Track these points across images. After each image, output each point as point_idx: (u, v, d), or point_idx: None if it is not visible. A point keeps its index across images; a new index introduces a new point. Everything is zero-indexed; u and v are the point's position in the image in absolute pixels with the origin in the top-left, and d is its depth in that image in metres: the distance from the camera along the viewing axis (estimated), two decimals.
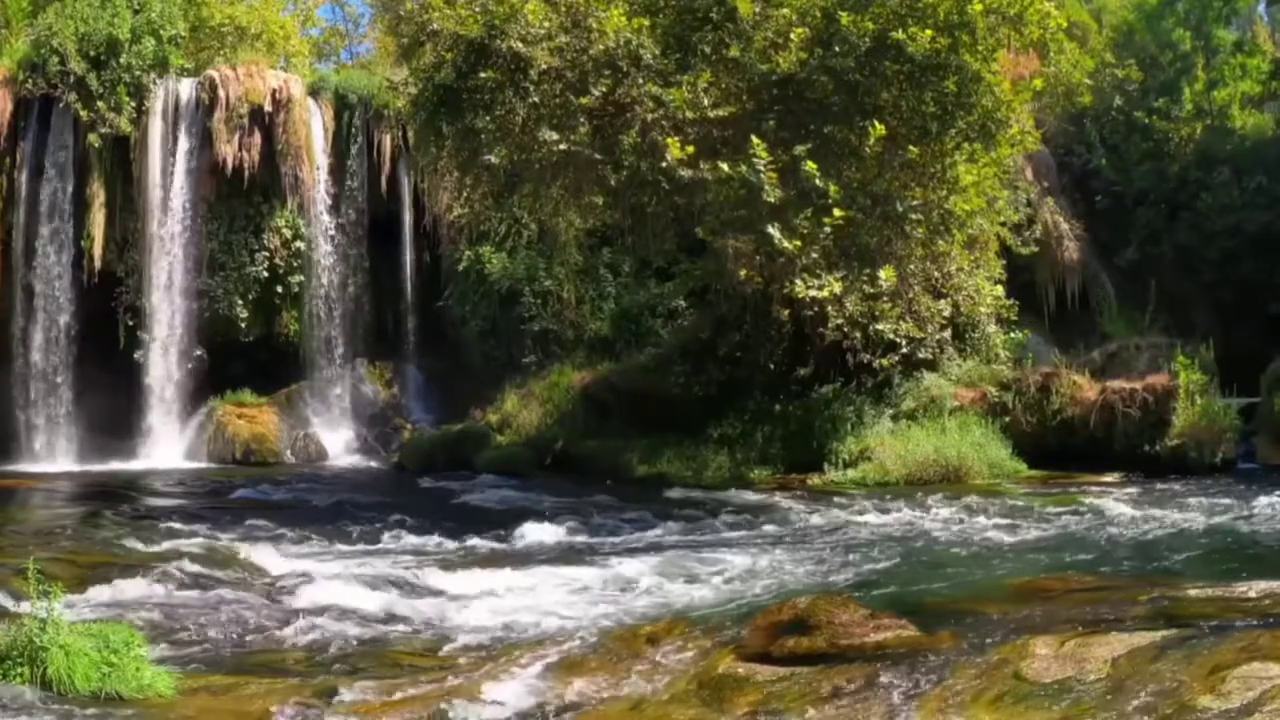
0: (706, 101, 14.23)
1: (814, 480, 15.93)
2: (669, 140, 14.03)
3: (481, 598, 8.42)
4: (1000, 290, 18.50)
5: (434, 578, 9.17)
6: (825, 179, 13.91)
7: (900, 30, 14.04)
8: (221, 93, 24.75)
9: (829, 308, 15.69)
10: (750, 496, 14.73)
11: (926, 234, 15.65)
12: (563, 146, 14.87)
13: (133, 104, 24.27)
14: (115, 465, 22.69)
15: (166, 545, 10.82)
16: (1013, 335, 19.04)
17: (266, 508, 14.87)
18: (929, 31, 13.95)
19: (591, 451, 19.28)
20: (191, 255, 24.61)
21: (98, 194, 24.39)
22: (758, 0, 14.37)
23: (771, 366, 18.29)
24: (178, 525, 12.27)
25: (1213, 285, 23.97)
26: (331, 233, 25.64)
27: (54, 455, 23.74)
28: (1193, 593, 6.71)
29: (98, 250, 24.21)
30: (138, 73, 24.24)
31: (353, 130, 25.93)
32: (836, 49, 14.20)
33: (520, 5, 14.58)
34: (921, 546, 10.42)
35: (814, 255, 14.39)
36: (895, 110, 14.90)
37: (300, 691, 5.85)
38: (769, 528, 12.01)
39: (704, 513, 13.18)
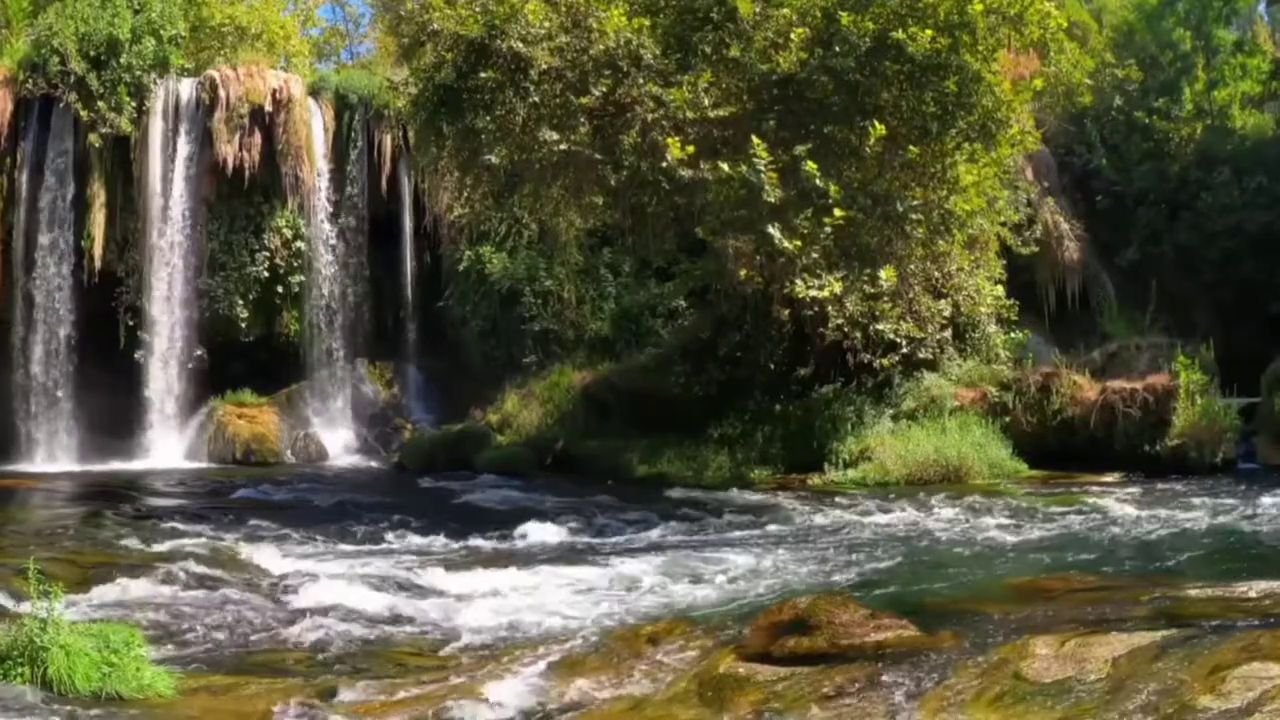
0: (707, 101, 14.23)
1: (814, 480, 15.93)
2: (669, 140, 14.03)
3: (483, 597, 8.42)
4: (1000, 290, 18.50)
5: (435, 578, 9.17)
6: (825, 179, 13.92)
7: (900, 30, 14.04)
8: (222, 93, 24.76)
9: (829, 308, 15.69)
10: (751, 496, 14.74)
11: (927, 234, 15.65)
12: (563, 146, 14.87)
13: (133, 104, 24.28)
14: (115, 465, 22.69)
15: (167, 545, 10.83)
16: (1013, 335, 19.04)
17: (267, 508, 14.87)
18: (929, 31, 13.95)
19: (592, 451, 19.28)
20: (192, 255, 24.62)
21: (98, 194, 24.40)
22: (758, 0, 14.37)
23: (772, 366, 18.30)
24: (178, 525, 12.28)
25: (1213, 285, 23.97)
26: (332, 233, 25.65)
27: (54, 455, 23.74)
28: (1193, 593, 6.71)
29: (98, 250, 24.22)
30: (138, 73, 24.24)
31: (353, 130, 25.94)
32: (837, 49, 14.20)
33: (520, 5, 14.58)
34: (922, 546, 10.42)
35: (814, 255, 14.39)
36: (895, 110, 14.90)
37: (301, 691, 5.85)
38: (770, 528, 12.01)
39: (705, 513, 13.18)
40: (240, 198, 24.88)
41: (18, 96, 24.15)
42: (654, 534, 11.83)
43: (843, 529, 11.81)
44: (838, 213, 13.82)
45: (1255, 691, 4.48)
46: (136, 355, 24.20)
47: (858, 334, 16.60)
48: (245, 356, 24.74)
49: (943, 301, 17.59)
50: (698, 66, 14.56)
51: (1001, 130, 15.31)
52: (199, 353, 24.55)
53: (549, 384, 21.89)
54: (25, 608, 6.56)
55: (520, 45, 14.66)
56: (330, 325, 25.64)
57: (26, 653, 5.63)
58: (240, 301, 24.71)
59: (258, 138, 24.87)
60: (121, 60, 24.00)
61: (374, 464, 23.05)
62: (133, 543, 11.06)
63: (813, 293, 14.61)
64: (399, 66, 19.73)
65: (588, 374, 21.53)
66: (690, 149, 13.98)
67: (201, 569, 9.23)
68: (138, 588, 8.60)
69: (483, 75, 14.85)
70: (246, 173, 24.68)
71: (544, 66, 14.83)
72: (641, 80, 14.56)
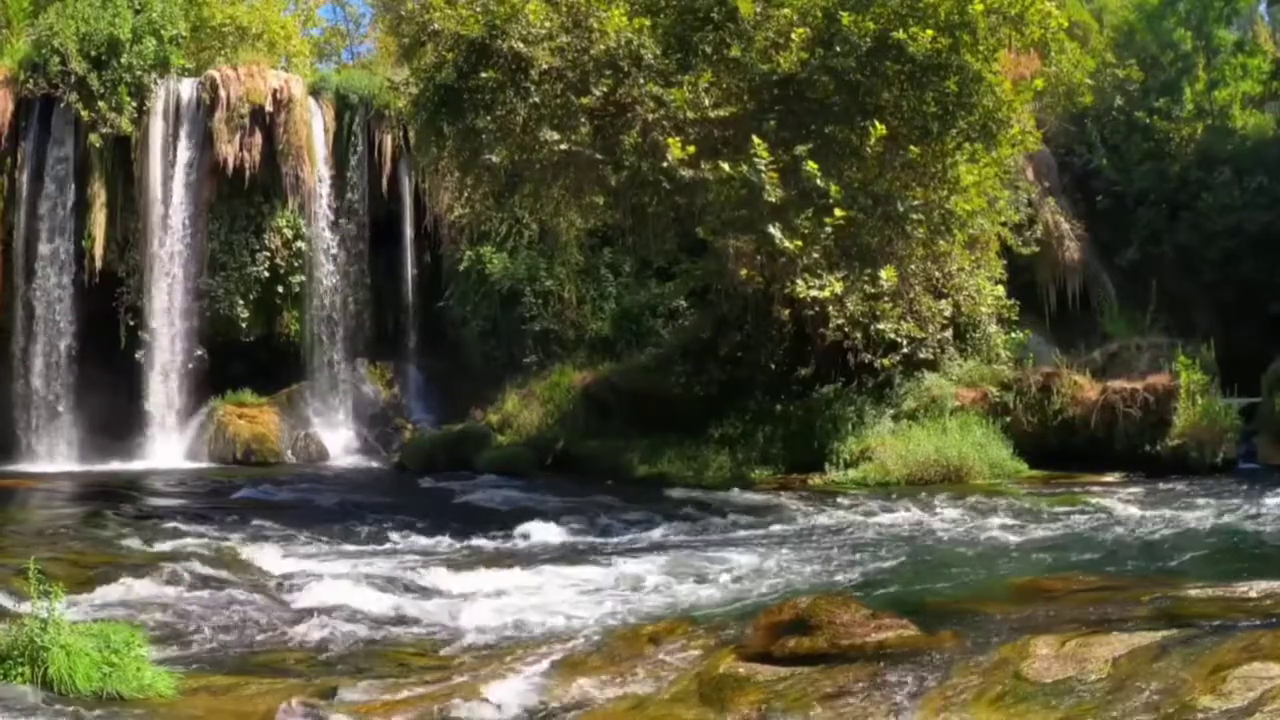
0: (707, 101, 14.23)
1: (815, 480, 15.93)
2: (670, 140, 14.03)
3: (484, 597, 8.41)
4: (1001, 290, 18.50)
5: (436, 577, 9.17)
6: (826, 179, 13.92)
7: (901, 30, 14.03)
8: (222, 93, 24.76)
9: (830, 308, 15.68)
10: (751, 496, 14.73)
11: (927, 234, 15.65)
12: (564, 146, 14.87)
13: (134, 104, 24.29)
14: (116, 465, 22.70)
15: (168, 545, 10.84)
16: (1014, 335, 19.04)
17: (268, 508, 14.87)
18: (930, 31, 13.95)
19: (592, 451, 19.28)
20: (192, 255, 24.63)
21: (98, 194, 24.41)
22: (759, 0, 14.37)
23: (772, 366, 18.30)
24: (179, 525, 12.28)
25: (1213, 285, 23.97)
26: (332, 233, 25.66)
27: (54, 455, 23.75)
28: (1194, 593, 6.71)
29: (98, 250, 24.23)
30: (139, 73, 24.25)
31: (354, 130, 25.95)
32: (837, 49, 14.20)
33: (521, 5, 14.58)
34: (923, 546, 10.42)
35: (815, 255, 14.39)
36: (896, 110, 14.90)
37: (302, 691, 5.85)
38: (771, 527, 12.01)
39: (706, 512, 13.17)
40: (241, 198, 24.89)
41: (18, 97, 24.16)
42: (655, 534, 11.83)
43: (844, 529, 11.81)
44: (838, 213, 13.82)
45: (1256, 691, 4.48)
46: (137, 355, 24.21)
47: (858, 334, 16.59)
48: (245, 356, 24.75)
49: (943, 301, 17.59)
50: (698, 66, 14.56)
51: (1002, 130, 15.31)
52: (199, 353, 24.56)
53: (549, 384, 21.89)
54: (26, 608, 6.55)
55: (521, 45, 14.66)
56: (331, 325, 25.65)
57: (27, 653, 5.63)
58: (241, 301, 24.71)
59: (258, 138, 24.88)
60: (122, 60, 24.01)
61: (374, 464, 23.05)
62: (133, 543, 11.07)
63: (813, 293, 14.61)
64: (399, 66, 19.73)
65: (588, 374, 21.53)
66: (691, 149, 13.98)
67: (202, 569, 9.23)
68: (138, 588, 8.60)
69: (483, 75, 14.85)
70: (247, 173, 24.68)
71: (544, 66, 14.83)
72: (642, 80, 14.56)
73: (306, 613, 7.86)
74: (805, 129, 14.63)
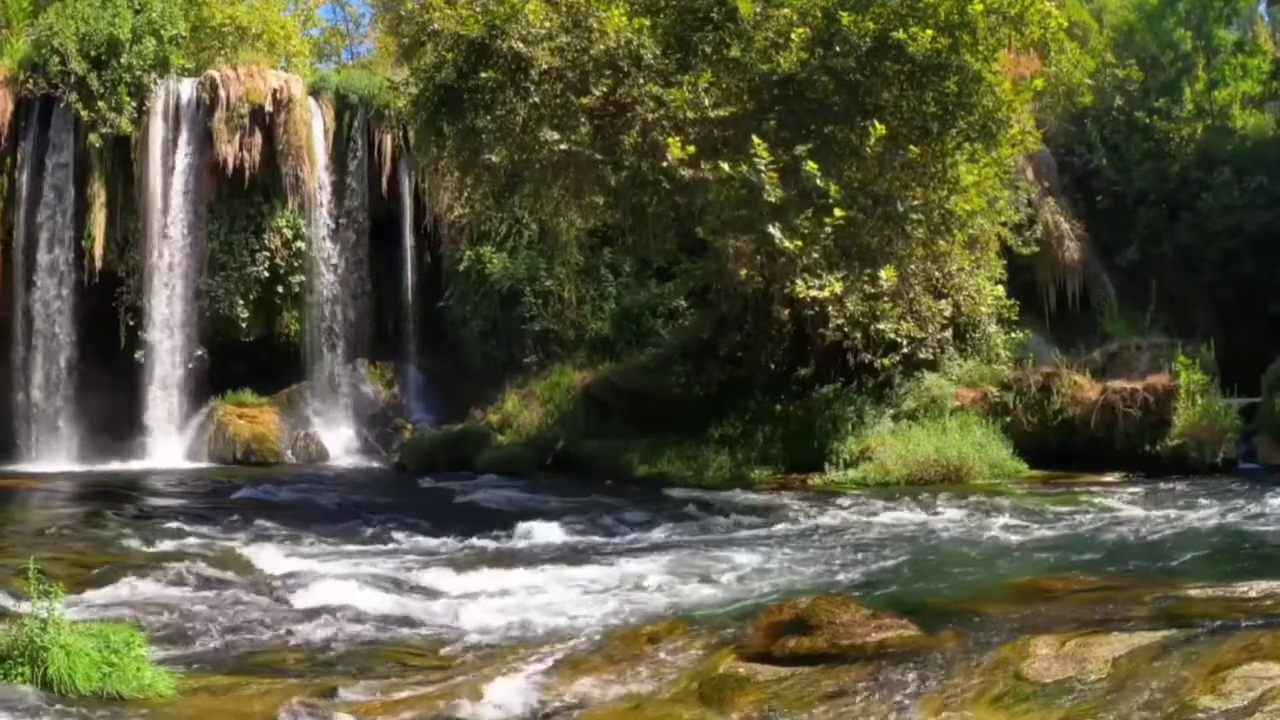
0: (707, 101, 14.23)
1: (815, 480, 15.93)
2: (670, 140, 14.03)
3: (483, 597, 8.41)
4: (1001, 290, 18.50)
5: (436, 578, 9.16)
6: (826, 179, 13.91)
7: (901, 30, 14.03)
8: (222, 93, 24.77)
9: (830, 308, 15.68)
10: (751, 497, 14.73)
11: (927, 234, 15.65)
12: (563, 146, 14.87)
13: (133, 104, 24.30)
14: (116, 465, 22.70)
15: (168, 545, 10.84)
16: (1013, 335, 19.04)
17: (268, 508, 14.86)
18: (930, 31, 13.94)
19: (592, 451, 19.28)
20: (192, 255, 24.64)
21: (98, 194, 24.41)
22: (758, 0, 14.36)
23: (772, 366, 18.30)
24: (179, 525, 12.28)
25: (1213, 285, 23.98)
26: (332, 233, 25.66)
27: (54, 455, 23.75)
28: (1194, 593, 6.71)
29: (98, 250, 24.24)
30: (138, 73, 24.26)
31: (353, 130, 25.95)
32: (837, 49, 14.20)
33: (521, 5, 14.58)
34: (923, 546, 10.41)
35: (815, 255, 14.39)
36: (896, 110, 14.90)
37: (301, 691, 5.85)
38: (771, 528, 12.00)
39: (706, 512, 13.17)
40: (240, 198, 24.90)
41: (18, 96, 24.17)
42: (656, 534, 11.83)
43: (844, 529, 11.80)
44: (838, 213, 13.81)
45: (1256, 691, 4.48)
46: (137, 355, 24.22)
47: (858, 334, 16.59)
48: (245, 356, 24.76)
49: (943, 301, 17.59)
50: (698, 66, 14.55)
51: (1002, 130, 15.31)
52: (199, 353, 24.56)
53: (549, 384, 21.90)
54: (26, 608, 6.55)
55: (521, 45, 14.66)
56: (330, 325, 25.66)
57: (27, 653, 5.63)
58: (240, 301, 24.72)
59: (258, 138, 24.88)
60: (122, 60, 24.01)
61: (374, 464, 23.05)
62: (133, 543, 11.07)
63: (813, 293, 14.60)
64: (399, 66, 19.73)
65: (588, 374, 21.53)
66: (691, 149, 13.98)
67: (202, 569, 9.23)
68: (138, 588, 8.61)
69: (483, 75, 14.85)
70: (247, 173, 24.69)
71: (544, 66, 14.82)
72: (642, 80, 14.56)
73: (307, 613, 7.86)
74: (805, 129, 14.63)
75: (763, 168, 13.64)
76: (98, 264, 24.26)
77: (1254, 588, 6.51)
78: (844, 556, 9.85)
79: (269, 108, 24.91)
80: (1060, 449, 16.30)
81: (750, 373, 18.41)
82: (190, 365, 24.45)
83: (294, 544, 11.18)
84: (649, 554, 10.33)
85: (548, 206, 18.63)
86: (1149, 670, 4.92)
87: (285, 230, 25.00)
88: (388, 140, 25.87)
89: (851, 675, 5.42)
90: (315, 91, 26.18)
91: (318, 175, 25.49)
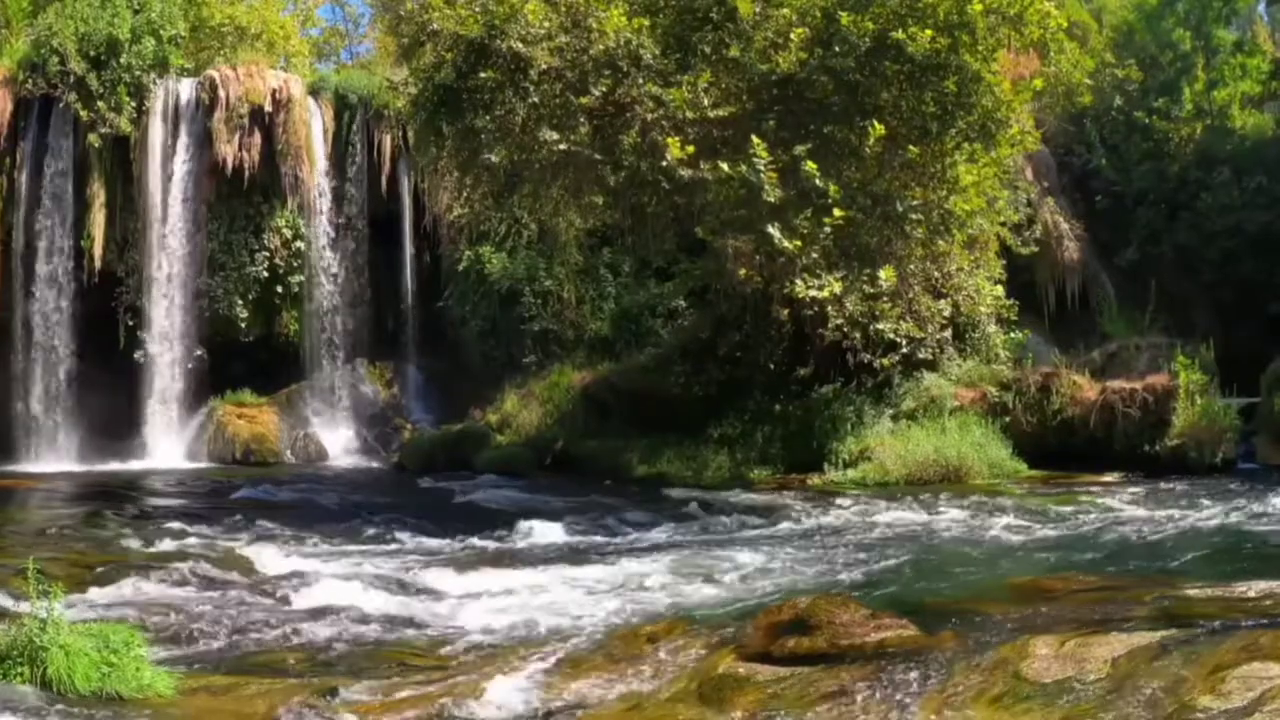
0: (706, 101, 14.23)
1: (814, 480, 15.93)
2: (669, 140, 14.03)
3: (483, 597, 8.41)
4: (1000, 290, 18.50)
5: (435, 577, 9.16)
6: (825, 179, 13.91)
7: (900, 30, 14.04)
8: (221, 93, 24.76)
9: (829, 308, 15.69)
10: (751, 497, 14.73)
11: (926, 234, 15.66)
12: (563, 146, 14.87)
13: (133, 104, 24.29)
14: (115, 465, 22.70)
15: (167, 545, 10.84)
16: (1013, 335, 19.04)
17: (267, 508, 14.86)
18: (929, 31, 13.95)
19: (591, 451, 19.28)
20: (192, 255, 24.64)
21: (98, 194, 24.41)
22: (758, 0, 14.37)
23: (771, 366, 18.30)
24: (178, 525, 12.28)
25: (1213, 285, 23.98)
26: (331, 233, 25.66)
27: (54, 455, 23.75)
28: (1194, 593, 6.71)
29: (98, 250, 24.24)
30: (138, 73, 24.25)
31: (353, 130, 25.95)
32: (836, 49, 14.20)
33: (520, 5, 14.58)
34: (922, 546, 10.41)
35: (814, 255, 14.40)
36: (895, 110, 14.90)
37: (301, 691, 5.85)
38: (771, 528, 12.01)
39: (706, 512, 13.16)
40: (240, 198, 24.89)
41: (17, 96, 24.17)
42: (656, 533, 11.83)
43: (844, 529, 11.80)
44: (837, 213, 13.82)
45: (1255, 691, 4.48)
46: (136, 355, 24.21)
47: (857, 334, 16.60)
48: (245, 356, 24.75)
49: (943, 301, 17.59)
50: (697, 66, 14.56)
51: (1001, 130, 15.31)
52: (199, 353, 24.56)
53: (549, 384, 21.89)
54: (25, 608, 6.55)
55: (520, 45, 14.66)
56: (330, 325, 25.66)
57: (26, 653, 5.62)
58: (240, 301, 24.72)
59: (257, 138, 24.88)
60: (121, 60, 24.01)
61: (374, 464, 23.05)
62: (133, 543, 11.07)
63: (812, 293, 14.61)
64: (399, 66, 19.73)
65: (587, 374, 21.53)
66: (690, 149, 13.98)
67: (202, 569, 9.23)
68: (138, 588, 8.61)
69: (482, 75, 14.85)
70: (246, 173, 24.69)
71: (544, 66, 14.83)
72: (641, 80, 14.56)
73: (307, 612, 7.86)
74: (804, 129, 14.63)
75: (762, 168, 13.65)
76: (97, 264, 24.26)
77: (1253, 588, 6.51)
78: (845, 556, 9.85)
79: (268, 108, 24.91)
80: (1059, 449, 16.30)
81: (749, 373, 18.41)
82: (189, 365, 24.45)
83: (294, 544, 11.18)
84: (650, 554, 10.33)
85: (547, 206, 18.63)
86: (1148, 670, 4.92)
87: (284, 230, 25.00)
88: (387, 140, 25.87)
89: (851, 675, 5.43)
90: (314, 91, 26.18)
91: (317, 175, 25.49)
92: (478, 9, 14.76)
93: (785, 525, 12.12)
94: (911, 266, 16.53)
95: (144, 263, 24.48)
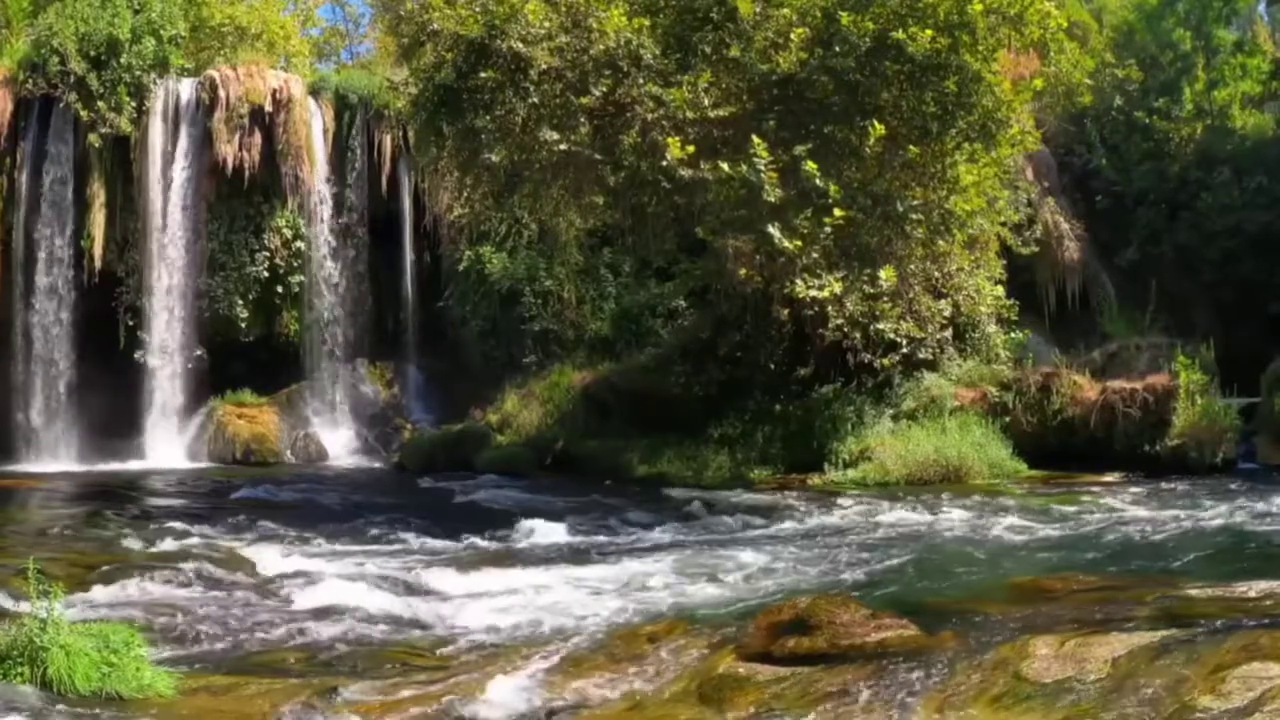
0: (707, 101, 14.22)
1: (814, 480, 15.93)
2: (669, 140, 14.03)
3: (483, 597, 8.41)
4: (1000, 290, 18.51)
5: (436, 577, 9.16)
6: (825, 179, 13.91)
7: (900, 30, 14.03)
8: (222, 93, 24.76)
9: (829, 308, 15.68)
10: (752, 497, 14.73)
11: (927, 234, 15.65)
12: (563, 146, 14.87)
13: (133, 104, 24.29)
14: (115, 465, 22.69)
15: (167, 545, 10.84)
16: (1013, 335, 19.04)
17: (268, 508, 14.87)
18: (929, 31, 13.94)
19: (592, 451, 19.28)
20: (192, 255, 24.63)
21: (98, 194, 24.41)
22: (758, 0, 14.36)
23: (772, 366, 18.29)
24: (179, 525, 12.28)
25: (1213, 285, 23.98)
26: (332, 233, 25.66)
27: (54, 455, 23.74)
28: (1194, 593, 6.71)
29: (98, 250, 24.23)
30: (138, 73, 24.25)
31: (353, 130, 25.95)
32: (837, 49, 14.20)
33: (520, 5, 14.58)
34: (922, 546, 10.41)
35: (814, 255, 14.39)
36: (895, 110, 14.89)
37: (301, 691, 5.85)
38: (772, 528, 12.00)
39: (707, 512, 13.17)
40: (240, 198, 24.89)
41: (18, 96, 24.16)
42: (658, 533, 11.83)
43: (844, 529, 11.80)
44: (838, 213, 13.81)
45: (1256, 691, 4.48)
46: (136, 355, 24.21)
47: (858, 334, 16.60)
48: (245, 356, 24.75)
49: (943, 301, 17.59)
50: (698, 66, 14.55)
51: (1001, 130, 15.30)
52: (199, 353, 24.55)
53: (549, 384, 21.90)
54: (25, 608, 6.55)
55: (520, 45, 14.65)
56: (330, 325, 25.65)
57: (26, 653, 5.63)
58: (240, 301, 24.71)
59: (258, 138, 24.87)
60: (121, 60, 24.00)
61: (374, 464, 23.05)
62: (133, 543, 11.07)
63: (813, 293, 14.60)
64: (399, 66, 19.72)
65: (588, 374, 21.53)
66: (690, 149, 13.97)
67: (202, 569, 9.23)
68: (138, 588, 8.61)
69: (483, 75, 14.84)
70: (246, 173, 24.68)
71: (544, 66, 14.82)
72: (641, 80, 14.56)
73: (307, 613, 7.86)
74: (805, 129, 14.63)
75: (762, 168, 13.64)
76: (97, 264, 24.25)
77: (1254, 588, 6.51)
78: (844, 556, 9.85)
79: (268, 108, 24.90)
80: (1060, 449, 16.30)
81: (750, 373, 18.41)
82: (190, 365, 24.44)
83: (295, 544, 11.18)
84: (653, 553, 10.33)
85: (547, 206, 18.63)
86: (1149, 670, 4.92)
87: (285, 230, 25.00)
88: (387, 140, 25.87)
89: (851, 675, 5.43)
90: (315, 91, 26.17)
91: (317, 175, 25.48)
92: (478, 9, 14.75)
93: (787, 525, 12.12)
94: (912, 266, 16.53)
95: (144, 263, 24.47)
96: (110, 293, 24.42)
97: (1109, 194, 24.90)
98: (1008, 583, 8.09)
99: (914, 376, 17.48)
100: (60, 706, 5.40)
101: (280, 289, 25.09)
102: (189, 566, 9.24)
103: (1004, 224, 18.11)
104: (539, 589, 8.68)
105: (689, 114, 14.25)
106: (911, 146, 14.73)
